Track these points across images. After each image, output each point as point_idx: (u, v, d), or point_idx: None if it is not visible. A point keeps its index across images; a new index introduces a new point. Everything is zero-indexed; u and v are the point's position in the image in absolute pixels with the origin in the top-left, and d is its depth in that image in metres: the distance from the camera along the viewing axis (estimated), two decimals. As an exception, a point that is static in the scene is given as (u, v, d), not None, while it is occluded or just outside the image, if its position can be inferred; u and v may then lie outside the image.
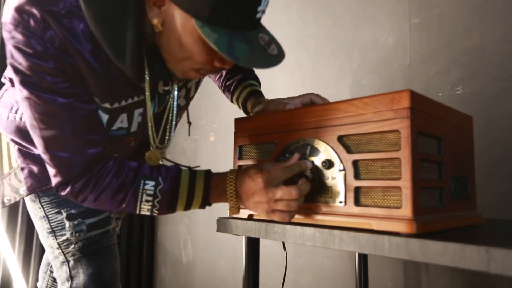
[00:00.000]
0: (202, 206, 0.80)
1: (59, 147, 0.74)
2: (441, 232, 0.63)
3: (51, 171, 0.76)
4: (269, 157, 0.81)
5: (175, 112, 0.87)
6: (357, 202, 0.67)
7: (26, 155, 0.90)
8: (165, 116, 0.87)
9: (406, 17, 1.33)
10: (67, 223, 0.93)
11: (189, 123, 1.00)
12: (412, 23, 1.31)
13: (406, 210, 0.60)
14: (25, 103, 0.72)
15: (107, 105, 0.77)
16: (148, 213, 0.79)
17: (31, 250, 1.91)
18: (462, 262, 0.50)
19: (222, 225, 0.86)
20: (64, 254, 0.94)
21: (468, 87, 1.16)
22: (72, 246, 0.93)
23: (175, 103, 0.86)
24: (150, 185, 0.76)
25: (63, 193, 0.77)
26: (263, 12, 0.67)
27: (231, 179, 0.76)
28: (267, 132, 0.82)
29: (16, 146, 0.91)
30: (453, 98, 1.18)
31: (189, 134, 1.09)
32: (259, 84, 1.07)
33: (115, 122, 0.80)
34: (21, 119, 0.86)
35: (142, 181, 0.76)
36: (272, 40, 0.71)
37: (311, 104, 0.89)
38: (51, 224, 0.94)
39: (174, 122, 0.87)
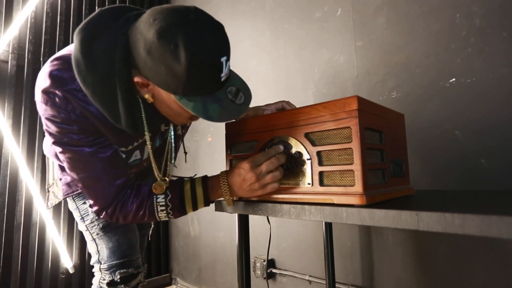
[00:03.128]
0: (206, 204, 0.79)
1: (93, 184, 0.74)
2: (384, 202, 0.64)
3: (90, 201, 0.77)
4: (252, 151, 0.81)
5: (173, 147, 0.86)
6: (321, 183, 0.68)
7: (63, 168, 0.90)
8: (166, 150, 0.86)
9: (352, 41, 1.34)
10: (89, 210, 0.92)
11: (185, 152, 1.01)
12: (357, 45, 1.33)
13: (358, 187, 0.61)
14: (61, 156, 0.73)
15: (123, 149, 0.78)
16: (166, 219, 0.79)
17: (73, 233, 1.87)
18: (399, 223, 0.52)
19: (219, 206, 0.86)
20: (91, 234, 0.94)
21: (400, 92, 1.19)
22: (95, 227, 0.93)
23: (172, 140, 0.85)
24: (161, 198, 0.76)
25: (101, 217, 0.77)
26: (227, 75, 0.65)
27: (223, 177, 0.76)
28: (250, 133, 0.82)
29: (57, 162, 0.91)
30: (389, 100, 1.21)
31: (185, 161, 1.08)
32: None
33: (131, 157, 0.81)
34: None
35: (155, 196, 0.76)
36: (240, 88, 0.69)
37: (283, 109, 0.90)
38: (81, 212, 0.94)
39: (174, 154, 0.85)
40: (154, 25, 0.59)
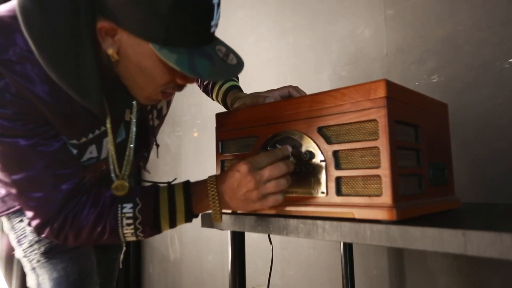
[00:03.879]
0: (188, 218, 0.76)
1: (32, 188, 0.71)
2: (421, 217, 0.64)
3: (29, 214, 0.73)
4: (251, 150, 0.81)
5: (133, 141, 0.84)
6: (339, 192, 0.67)
7: None
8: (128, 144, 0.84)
9: (381, 9, 1.34)
10: (28, 229, 0.90)
11: (157, 145, 1.00)
12: (387, 14, 1.32)
13: (386, 197, 0.61)
14: None
15: (74, 141, 0.75)
16: (134, 238, 0.75)
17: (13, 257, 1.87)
18: (440, 246, 0.51)
19: (207, 220, 0.85)
20: (30, 261, 0.92)
21: (443, 75, 1.18)
22: (35, 251, 0.90)
23: (133, 135, 0.84)
24: (128, 207, 0.73)
25: (44, 235, 0.74)
26: (216, 25, 0.67)
27: (211, 182, 0.74)
28: (247, 126, 0.82)
29: None
30: (429, 86, 1.20)
31: (157, 157, 1.07)
32: (237, 79, 1.07)
33: (84, 154, 0.78)
34: None
35: (120, 205, 0.73)
36: (229, 50, 0.70)
37: (290, 97, 0.89)
38: (16, 233, 0.92)
39: (132, 150, 0.84)
40: None
